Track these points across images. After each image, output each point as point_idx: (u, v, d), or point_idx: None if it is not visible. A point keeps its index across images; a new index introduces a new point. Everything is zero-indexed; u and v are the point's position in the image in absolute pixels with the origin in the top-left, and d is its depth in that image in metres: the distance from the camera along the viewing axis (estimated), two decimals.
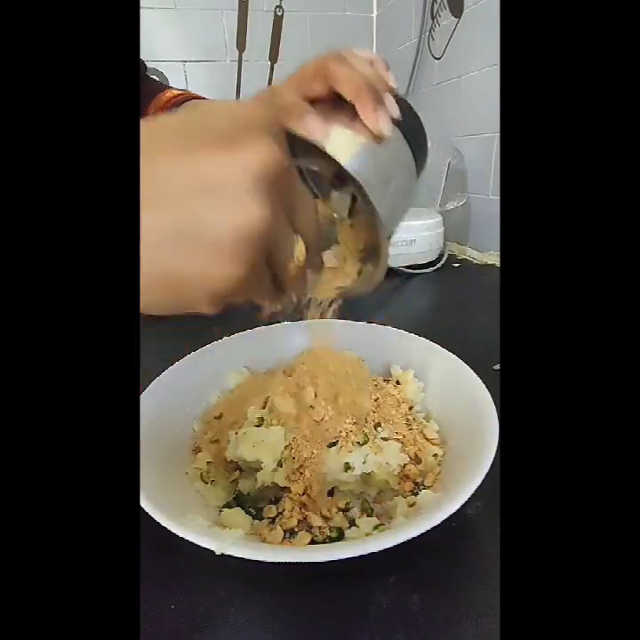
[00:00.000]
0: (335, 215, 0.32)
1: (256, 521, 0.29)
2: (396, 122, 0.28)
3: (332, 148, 0.25)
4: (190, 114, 0.17)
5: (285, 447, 0.31)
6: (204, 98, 0.52)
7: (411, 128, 0.29)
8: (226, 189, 0.16)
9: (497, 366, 0.42)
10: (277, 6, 1.15)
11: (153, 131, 0.17)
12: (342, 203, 0.31)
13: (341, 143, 0.26)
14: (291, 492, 0.29)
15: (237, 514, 0.29)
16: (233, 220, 0.16)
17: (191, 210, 0.16)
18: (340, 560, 0.21)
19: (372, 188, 0.25)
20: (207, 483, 0.32)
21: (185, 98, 0.51)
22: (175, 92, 0.51)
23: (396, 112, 0.27)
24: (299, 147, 0.28)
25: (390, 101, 0.28)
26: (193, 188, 0.16)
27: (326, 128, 0.26)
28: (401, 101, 0.29)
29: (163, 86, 0.54)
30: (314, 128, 0.26)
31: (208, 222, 0.16)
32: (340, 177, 0.28)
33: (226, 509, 0.29)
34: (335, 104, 0.27)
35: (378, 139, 0.27)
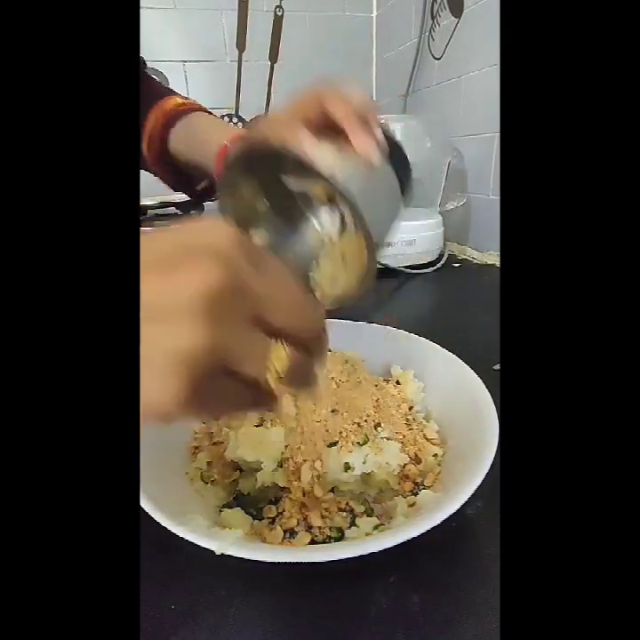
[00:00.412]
0: (325, 238, 0.33)
1: (256, 521, 0.29)
2: (383, 151, 0.29)
3: (326, 167, 0.26)
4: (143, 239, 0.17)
5: (285, 447, 0.31)
6: (206, 109, 0.51)
7: (397, 159, 0.31)
8: (166, 314, 0.16)
9: (497, 366, 0.42)
10: (277, 6, 1.15)
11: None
12: (333, 222, 0.32)
13: (334, 163, 0.26)
14: (291, 492, 0.29)
15: (237, 514, 0.29)
16: (173, 344, 0.16)
17: (147, 333, 0.16)
18: (340, 560, 0.21)
19: (363, 205, 0.26)
20: (207, 483, 0.32)
21: (190, 108, 0.50)
22: (179, 101, 0.50)
23: (383, 142, 0.29)
24: (290, 167, 0.29)
25: (378, 131, 0.30)
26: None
27: (320, 147, 0.26)
28: (388, 134, 0.31)
29: (163, 90, 0.53)
30: (308, 145, 0.26)
31: (149, 348, 0.16)
32: (331, 197, 0.29)
33: (226, 509, 0.29)
34: (328, 131, 0.28)
35: (367, 163, 0.28)
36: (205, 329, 0.16)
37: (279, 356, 0.18)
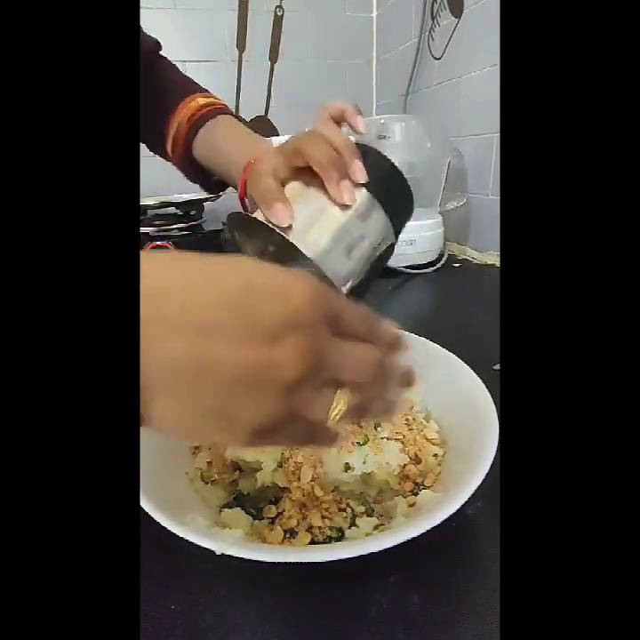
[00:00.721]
0: None
1: (256, 521, 0.29)
2: (367, 185, 0.31)
3: (293, 236, 0.29)
4: (230, 291, 0.17)
5: (285, 447, 0.31)
6: (227, 109, 0.50)
7: (385, 185, 0.32)
8: (255, 387, 0.17)
9: (497, 366, 0.42)
10: (277, 6, 1.15)
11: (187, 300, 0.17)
12: None
13: (304, 227, 0.29)
14: (291, 492, 0.29)
15: (237, 514, 0.29)
16: (253, 414, 0.17)
17: (227, 397, 0.17)
18: (340, 560, 0.21)
19: (327, 264, 0.29)
20: (207, 483, 0.32)
21: (213, 110, 0.49)
22: (201, 102, 0.49)
23: (363, 177, 0.31)
24: (259, 231, 0.32)
25: (358, 168, 0.31)
26: (230, 377, 0.17)
27: (291, 214, 0.29)
28: (381, 159, 0.33)
29: (185, 83, 0.52)
30: (281, 216, 0.29)
31: (232, 408, 0.17)
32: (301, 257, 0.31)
33: (226, 509, 0.29)
34: (314, 173, 0.31)
35: (343, 206, 0.30)
36: (288, 403, 0.18)
37: (341, 403, 0.20)
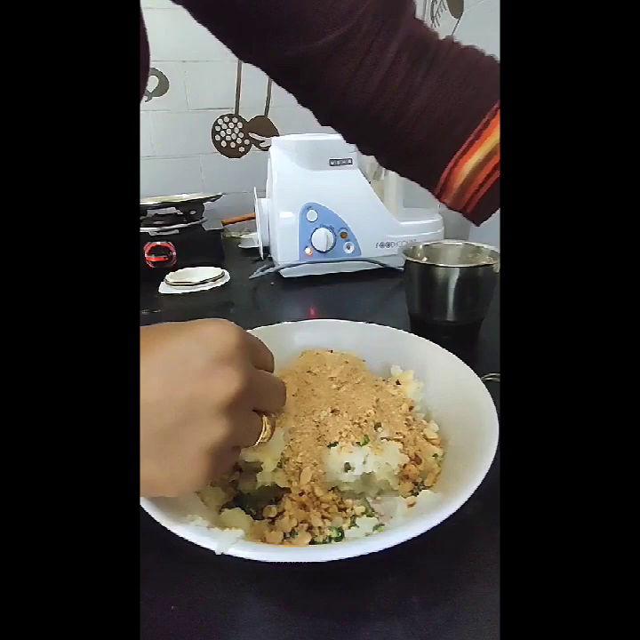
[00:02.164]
0: None
1: (256, 521, 0.29)
2: None
3: None
4: (173, 340, 0.21)
5: (285, 447, 0.30)
6: None
7: None
8: (199, 416, 0.21)
9: (489, 377, 0.40)
10: None
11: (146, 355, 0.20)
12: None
13: None
14: (291, 492, 0.29)
15: (237, 514, 0.29)
16: (205, 439, 0.21)
17: (171, 431, 0.20)
18: (340, 560, 0.21)
19: None
20: None
21: None
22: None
23: None
24: None
25: None
26: (174, 415, 0.20)
27: None
28: None
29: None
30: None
31: (184, 444, 0.21)
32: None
33: (226, 509, 0.29)
34: None
35: None
36: (228, 424, 0.21)
37: (268, 428, 0.26)
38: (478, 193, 0.35)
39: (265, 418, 0.26)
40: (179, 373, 0.20)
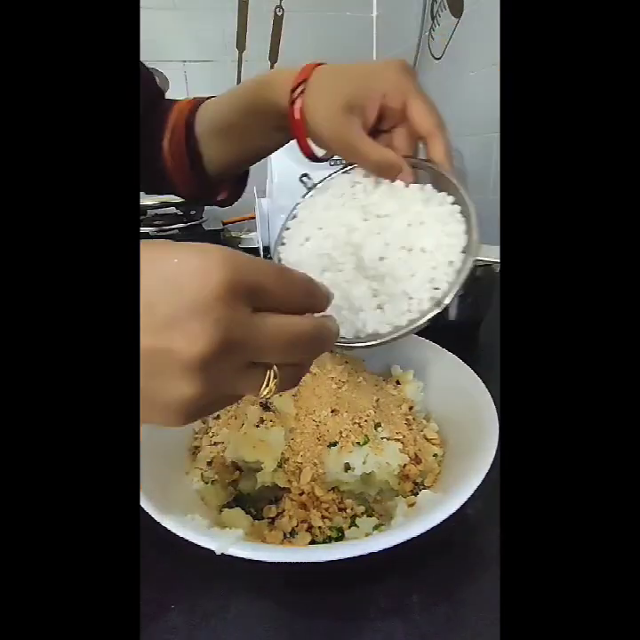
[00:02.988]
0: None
1: (256, 521, 0.29)
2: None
3: None
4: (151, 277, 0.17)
5: (285, 447, 0.31)
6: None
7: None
8: (163, 372, 0.18)
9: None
10: (277, 6, 1.15)
11: None
12: None
13: None
14: (291, 492, 0.29)
15: (237, 514, 0.29)
16: (171, 397, 0.18)
17: (146, 382, 0.18)
18: (340, 560, 0.21)
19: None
20: (207, 483, 0.31)
21: (199, 102, 0.47)
22: (184, 102, 0.48)
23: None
24: None
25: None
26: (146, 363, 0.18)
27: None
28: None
29: (168, 100, 0.50)
30: (409, 180, 0.34)
31: (150, 394, 0.18)
32: None
33: (226, 509, 0.29)
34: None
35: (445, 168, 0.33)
36: (199, 384, 0.18)
37: (271, 381, 0.20)
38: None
39: (270, 371, 0.20)
40: (141, 319, 0.17)
